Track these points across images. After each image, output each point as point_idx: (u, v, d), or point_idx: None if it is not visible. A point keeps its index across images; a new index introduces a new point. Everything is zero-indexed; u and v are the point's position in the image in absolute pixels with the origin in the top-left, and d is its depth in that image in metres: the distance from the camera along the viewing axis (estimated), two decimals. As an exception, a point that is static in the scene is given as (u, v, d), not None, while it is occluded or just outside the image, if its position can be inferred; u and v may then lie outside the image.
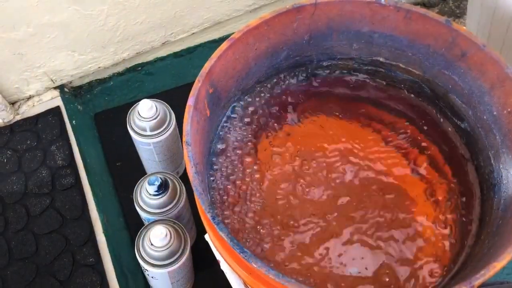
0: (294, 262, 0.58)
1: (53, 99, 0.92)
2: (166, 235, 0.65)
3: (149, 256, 0.66)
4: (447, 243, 0.60)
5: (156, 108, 0.72)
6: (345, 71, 0.69)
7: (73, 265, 0.77)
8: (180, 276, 0.70)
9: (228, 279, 0.65)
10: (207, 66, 0.57)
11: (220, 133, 0.65)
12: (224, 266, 0.65)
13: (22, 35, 0.81)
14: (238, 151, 0.65)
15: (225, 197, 0.62)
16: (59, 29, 0.83)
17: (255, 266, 0.46)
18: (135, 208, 0.71)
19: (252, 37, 0.61)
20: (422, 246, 0.59)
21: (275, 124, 0.67)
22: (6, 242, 0.79)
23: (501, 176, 0.57)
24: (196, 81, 0.56)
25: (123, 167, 0.88)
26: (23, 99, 0.92)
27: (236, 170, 0.63)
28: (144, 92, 0.95)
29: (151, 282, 0.72)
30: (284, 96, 0.68)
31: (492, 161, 0.59)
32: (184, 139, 0.52)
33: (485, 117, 0.60)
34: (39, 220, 0.80)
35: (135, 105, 0.73)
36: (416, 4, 1.13)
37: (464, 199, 0.62)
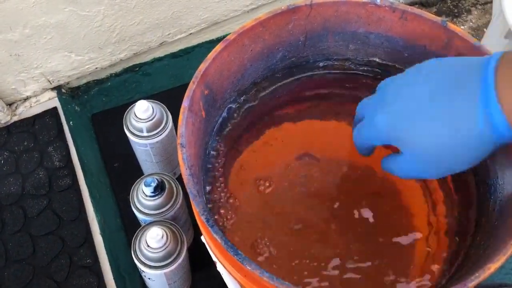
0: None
1: (50, 100, 0.92)
2: (163, 236, 0.65)
3: (145, 258, 0.66)
4: (444, 244, 0.59)
5: (153, 109, 0.72)
6: (341, 72, 0.69)
7: (70, 267, 0.77)
8: (177, 277, 0.70)
9: (225, 281, 0.65)
10: (201, 67, 0.57)
11: (216, 134, 0.65)
12: (220, 268, 0.65)
13: (18, 36, 0.81)
14: (234, 152, 0.65)
15: (222, 198, 0.62)
16: (56, 30, 0.83)
17: (249, 268, 0.46)
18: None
19: (247, 38, 0.61)
20: (418, 247, 0.59)
21: (271, 125, 0.67)
22: (3, 244, 0.79)
23: (497, 177, 0.57)
24: (191, 82, 0.56)
25: (120, 168, 0.88)
26: (20, 100, 0.92)
27: (232, 170, 0.63)
28: (141, 93, 0.95)
29: (148, 283, 0.72)
30: (280, 97, 0.68)
31: (487, 161, 0.59)
32: (178, 141, 0.52)
33: (481, 118, 0.59)
34: (36, 221, 0.80)
35: (131, 106, 0.73)
36: (414, 3, 1.13)
37: (461, 199, 0.62)
